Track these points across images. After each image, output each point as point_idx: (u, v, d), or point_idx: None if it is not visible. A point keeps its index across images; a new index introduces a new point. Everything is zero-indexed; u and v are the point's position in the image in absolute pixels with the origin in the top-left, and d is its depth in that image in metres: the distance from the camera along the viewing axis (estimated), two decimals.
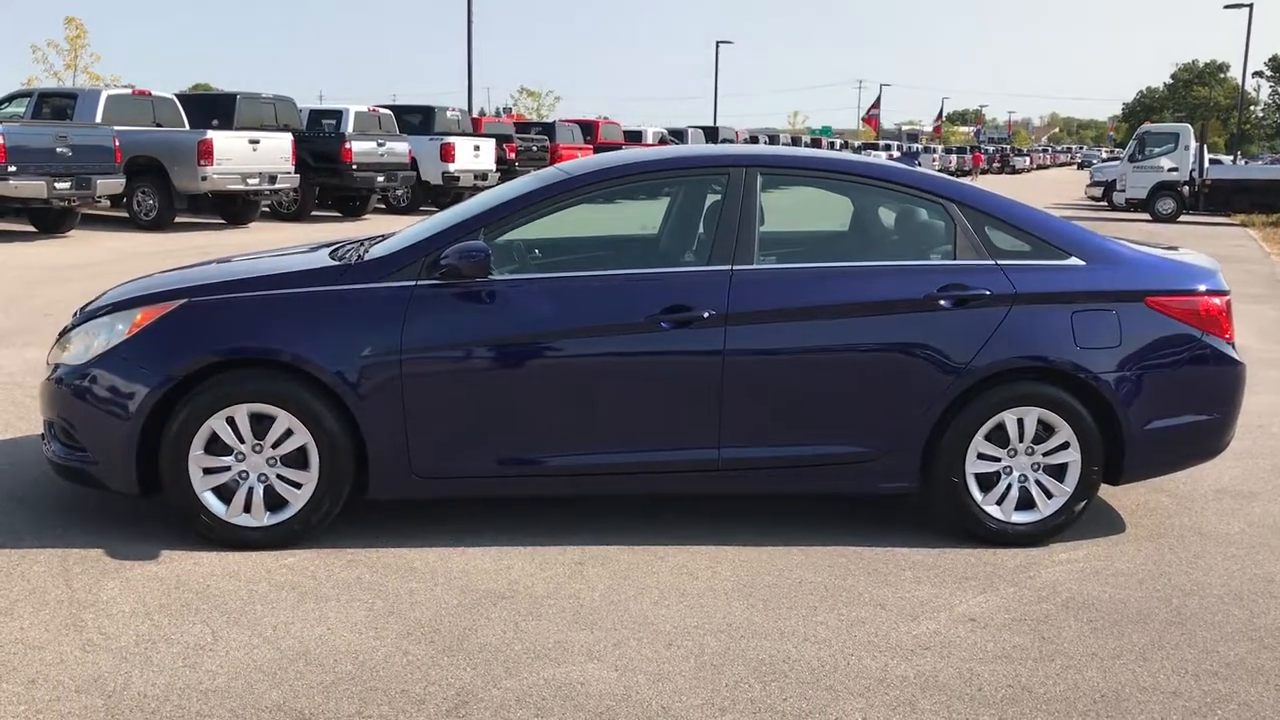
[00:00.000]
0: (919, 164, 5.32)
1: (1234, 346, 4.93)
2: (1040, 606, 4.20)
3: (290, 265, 4.89)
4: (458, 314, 4.52)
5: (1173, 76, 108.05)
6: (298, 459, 4.50)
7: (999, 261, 4.76)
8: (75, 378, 4.54)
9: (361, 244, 5.22)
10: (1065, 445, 4.72)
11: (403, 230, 5.25)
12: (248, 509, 4.51)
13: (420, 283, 4.53)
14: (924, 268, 4.78)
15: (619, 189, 4.87)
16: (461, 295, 4.52)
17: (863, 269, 4.75)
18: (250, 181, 18.64)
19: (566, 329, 4.54)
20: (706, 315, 4.55)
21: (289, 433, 4.47)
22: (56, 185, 15.58)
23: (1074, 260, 4.81)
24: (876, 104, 71.81)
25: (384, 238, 5.27)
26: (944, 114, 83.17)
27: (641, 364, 4.58)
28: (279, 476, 4.51)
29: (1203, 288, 4.89)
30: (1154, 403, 4.76)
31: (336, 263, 4.76)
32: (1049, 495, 4.77)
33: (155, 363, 4.43)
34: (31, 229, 17.01)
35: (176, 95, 19.94)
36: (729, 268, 4.64)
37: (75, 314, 4.97)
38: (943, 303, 4.66)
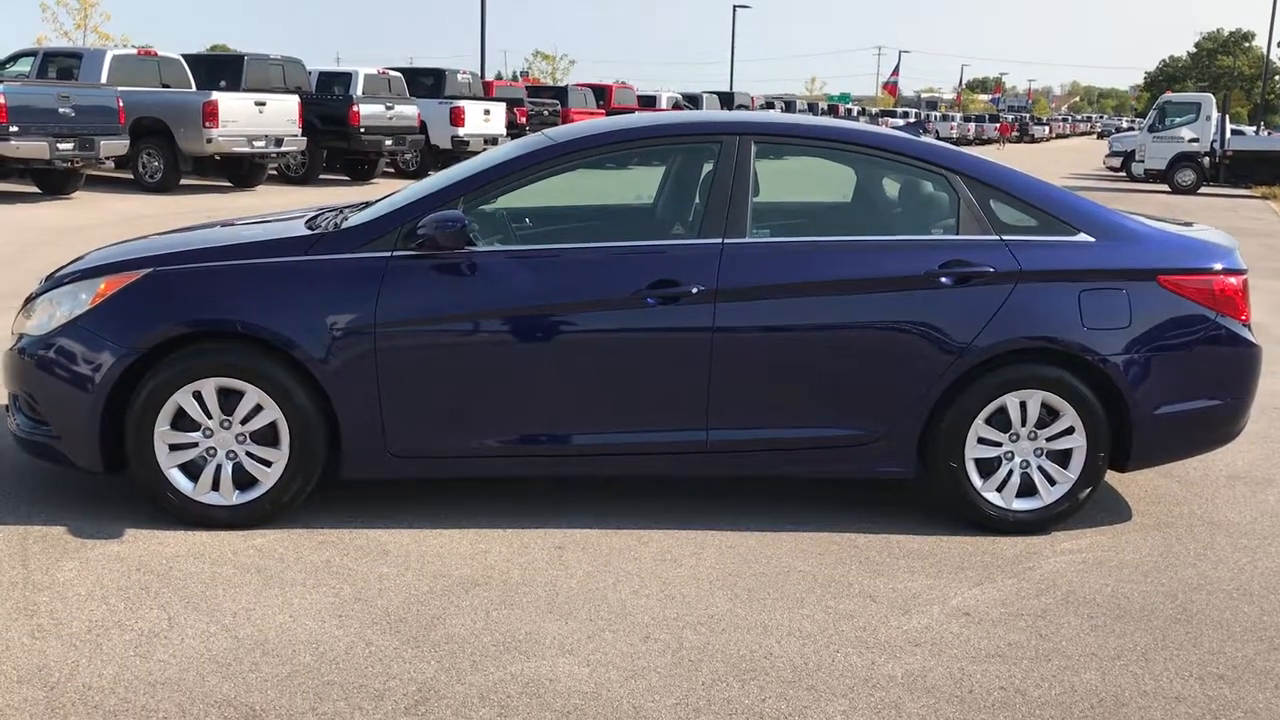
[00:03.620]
0: (924, 133, 5.05)
1: (1250, 328, 4.70)
2: (1039, 600, 4.00)
3: (263, 234, 4.69)
4: (434, 286, 4.32)
5: (1196, 45, 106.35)
6: (268, 436, 4.32)
7: (1004, 237, 4.53)
8: (38, 348, 4.37)
9: (340, 212, 5.02)
10: (1070, 430, 4.51)
11: (383, 198, 5.04)
12: (216, 487, 4.34)
13: (395, 253, 4.33)
14: (925, 243, 4.56)
15: (605, 156, 4.64)
16: (438, 267, 4.32)
17: (860, 244, 4.53)
18: (256, 144, 18.41)
19: (548, 304, 4.33)
20: (695, 290, 4.34)
21: (258, 408, 4.28)
22: (59, 146, 15.38)
23: (1083, 236, 4.58)
24: (896, 71, 71.11)
25: (365, 206, 5.07)
26: (964, 81, 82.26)
27: (626, 341, 4.37)
28: (248, 454, 4.33)
29: (1218, 266, 4.65)
30: (1164, 386, 4.54)
31: (310, 232, 4.56)
32: (1052, 482, 4.57)
33: (119, 334, 4.25)
34: (35, 190, 16.83)
35: (184, 56, 19.70)
36: (720, 241, 4.42)
37: (42, 280, 4.78)
38: (944, 280, 4.43)
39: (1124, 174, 31.88)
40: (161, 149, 17.96)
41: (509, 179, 4.55)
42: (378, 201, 5.00)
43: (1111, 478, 5.15)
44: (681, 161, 5.19)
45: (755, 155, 4.57)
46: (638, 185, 5.99)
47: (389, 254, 4.32)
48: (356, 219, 4.59)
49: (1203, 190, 27.50)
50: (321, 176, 21.73)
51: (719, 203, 4.48)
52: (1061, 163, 42.90)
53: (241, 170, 19.37)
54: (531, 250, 4.56)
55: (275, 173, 21.01)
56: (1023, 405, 4.49)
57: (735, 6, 59.23)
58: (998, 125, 65.74)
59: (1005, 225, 4.56)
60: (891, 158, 4.72)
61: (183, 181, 18.79)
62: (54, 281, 4.63)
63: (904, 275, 4.42)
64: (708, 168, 4.68)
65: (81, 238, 12.10)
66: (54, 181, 16.62)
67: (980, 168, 4.66)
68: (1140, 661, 3.58)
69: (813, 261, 4.45)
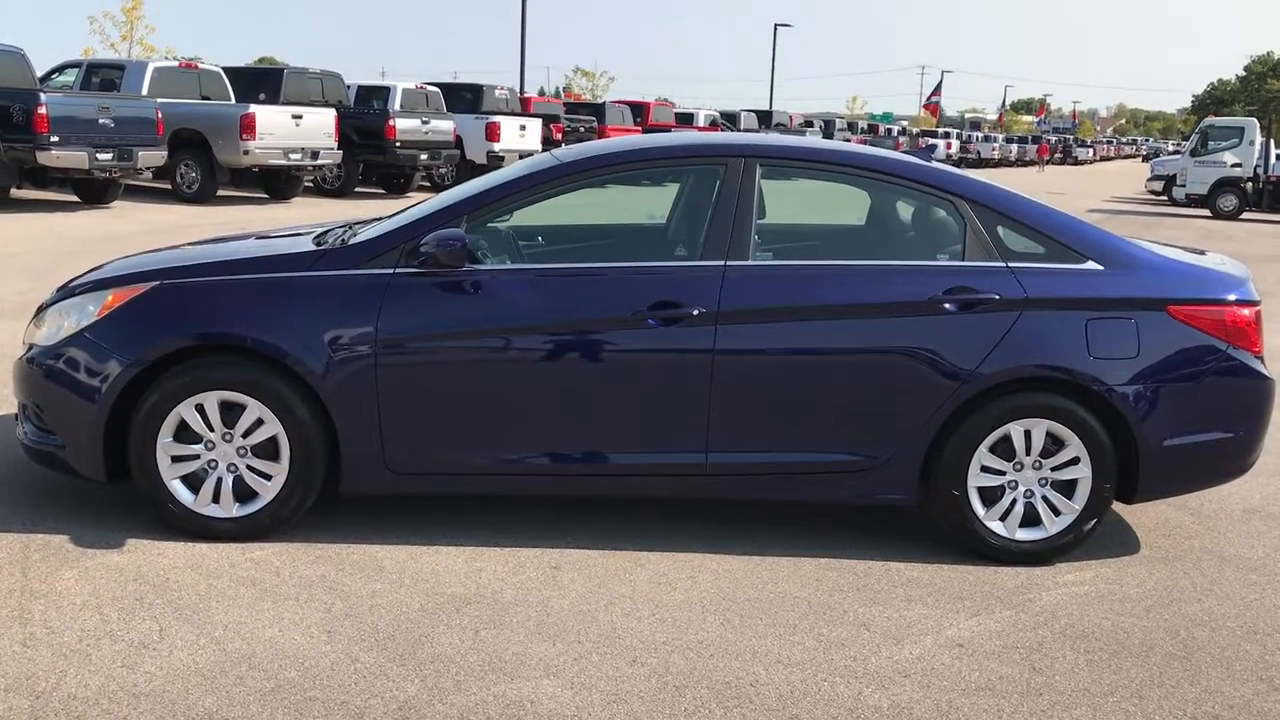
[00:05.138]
0: (935, 159, 5.01)
1: (1263, 360, 4.62)
2: (1035, 633, 3.94)
3: (270, 249, 4.74)
4: (436, 304, 4.34)
5: (1246, 69, 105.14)
6: (269, 450, 4.35)
7: (1010, 263, 4.48)
8: (46, 358, 4.43)
9: (349, 228, 5.05)
10: (1075, 460, 4.45)
11: (392, 214, 5.07)
12: (216, 499, 4.37)
13: (398, 271, 4.35)
14: (929, 268, 4.52)
15: (611, 177, 4.65)
16: (440, 285, 4.34)
17: (864, 268, 4.50)
18: (292, 156, 18.61)
19: (548, 323, 4.34)
20: (696, 313, 4.33)
21: (260, 422, 4.32)
22: (98, 156, 15.61)
23: (1091, 264, 4.52)
24: (937, 90, 70.87)
25: (375, 221, 5.10)
26: (1007, 102, 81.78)
27: (627, 361, 4.37)
28: (249, 467, 4.36)
29: (1231, 297, 4.58)
30: (1173, 418, 4.47)
31: (315, 247, 4.60)
32: (1056, 513, 4.51)
33: (124, 346, 4.30)
34: (75, 199, 17.09)
35: (226, 69, 19.96)
36: (722, 263, 4.41)
37: (55, 290, 4.85)
38: (948, 306, 4.40)
39: (1165, 198, 31.53)
40: (199, 160, 18.20)
41: (514, 198, 4.56)
42: (387, 218, 5.03)
43: (1122, 509, 5.08)
44: (690, 183, 5.20)
45: (760, 178, 4.56)
46: (655, 204, 6.01)
47: (391, 271, 4.35)
48: (362, 236, 4.62)
49: (1245, 216, 27.13)
50: (357, 190, 21.92)
51: (722, 225, 4.47)
52: (1103, 186, 42.54)
53: (278, 182, 19.61)
54: (532, 269, 4.57)
55: (311, 185, 21.21)
56: (1027, 434, 4.44)
57: (777, 25, 59.30)
58: (1037, 147, 65.16)
59: (1012, 252, 4.52)
60: (898, 182, 4.69)
61: (220, 192, 19.00)
62: (65, 292, 4.69)
63: (907, 300, 4.39)
64: (713, 190, 4.66)
65: (118, 247, 12.24)
66: (93, 191, 16.88)
67: (987, 193, 4.62)
68: (1134, 699, 3.52)
69: (815, 285, 4.42)
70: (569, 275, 4.49)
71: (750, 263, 4.44)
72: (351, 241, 4.57)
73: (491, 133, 23.00)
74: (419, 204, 4.96)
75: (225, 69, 19.89)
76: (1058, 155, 73.37)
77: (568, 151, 4.90)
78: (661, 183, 5.20)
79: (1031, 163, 63.94)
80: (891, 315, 4.39)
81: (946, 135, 58.19)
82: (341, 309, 4.31)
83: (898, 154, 5.04)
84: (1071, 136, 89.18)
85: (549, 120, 26.27)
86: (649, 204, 6.01)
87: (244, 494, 4.39)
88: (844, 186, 4.82)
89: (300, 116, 18.75)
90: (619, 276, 4.43)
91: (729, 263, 4.41)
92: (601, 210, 5.60)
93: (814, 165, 4.78)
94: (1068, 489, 4.49)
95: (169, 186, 18.70)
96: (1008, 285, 4.43)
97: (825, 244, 5.36)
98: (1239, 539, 4.98)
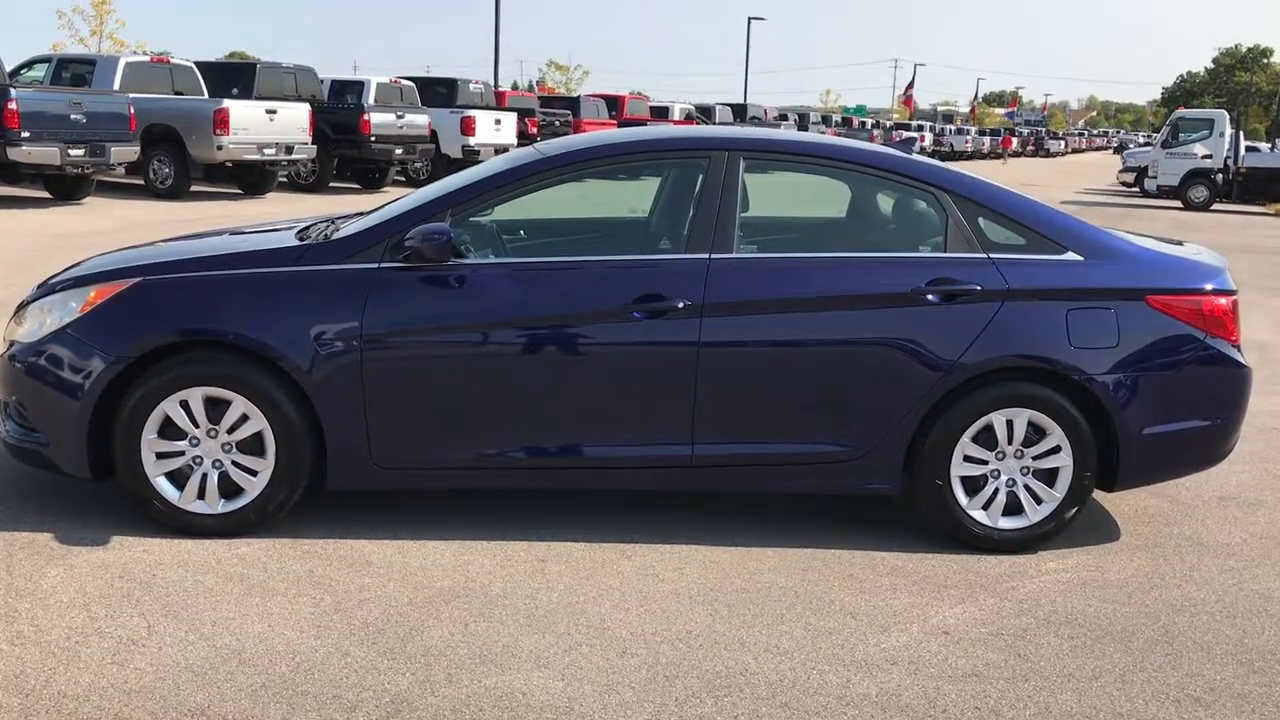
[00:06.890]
0: (915, 150, 5.06)
1: (1240, 349, 4.68)
2: (1019, 620, 3.99)
3: (253, 244, 4.72)
4: (421, 299, 4.34)
5: (1214, 61, 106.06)
6: (254, 445, 4.34)
7: (991, 255, 4.52)
8: (28, 355, 4.40)
9: (332, 223, 5.04)
10: (1057, 449, 4.50)
11: (375, 209, 5.06)
12: (202, 495, 4.36)
13: (383, 265, 4.35)
14: (912, 260, 4.56)
15: (594, 171, 4.65)
16: (425, 279, 4.34)
17: (847, 260, 4.54)
18: (267, 152, 18.49)
19: (534, 317, 4.35)
20: (681, 305, 4.35)
21: (245, 418, 4.31)
22: (70, 152, 15.46)
23: (1071, 255, 4.57)
24: (911, 84, 71.09)
25: (358, 215, 5.09)
26: (980, 94, 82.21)
27: (612, 354, 4.38)
28: (234, 463, 4.35)
29: (1208, 286, 4.64)
30: (1152, 407, 4.53)
31: (299, 243, 4.59)
32: (1038, 501, 4.56)
33: (107, 343, 4.28)
34: (46, 195, 16.94)
35: (199, 64, 19.80)
36: (706, 256, 4.43)
37: (36, 287, 4.82)
38: (930, 297, 4.43)
39: (1137, 190, 31.78)
40: (173, 156, 18.05)
41: (497, 192, 4.57)
42: (370, 213, 5.02)
43: (1102, 497, 5.13)
44: (673, 176, 5.21)
45: (744, 171, 4.58)
46: (636, 198, 6.02)
47: (376, 266, 4.35)
48: (345, 230, 4.61)
49: (1216, 207, 27.39)
50: (332, 184, 21.82)
51: (706, 218, 4.50)
52: (1075, 177, 42.82)
53: (252, 177, 19.47)
54: (517, 263, 4.57)
55: (286, 180, 21.09)
56: (1009, 423, 4.48)
57: (750, 19, 59.35)
58: (1000, 139, 65.48)
59: (993, 243, 4.56)
60: (880, 175, 4.72)
61: (193, 188, 18.86)
62: (46, 289, 4.66)
63: (890, 292, 4.42)
64: (696, 183, 4.68)
65: (91, 244, 12.15)
66: (65, 187, 16.73)
67: (969, 185, 4.65)
68: (1117, 683, 3.57)
69: (799, 277, 4.45)
70: (554, 269, 4.50)
71: (734, 255, 4.46)
72: (335, 236, 4.56)
73: (467, 127, 22.93)
74: (402, 198, 4.95)
75: (198, 64, 19.73)
76: (1030, 148, 73.87)
77: (551, 145, 4.90)
78: (638, 177, 5.21)
79: (999, 155, 64.30)
80: (875, 307, 4.42)
81: (920, 128, 58.39)
82: (326, 304, 4.30)
83: (879, 146, 5.07)
84: (1043, 129, 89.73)
85: (524, 114, 26.20)
86: (630, 198, 6.03)
87: (229, 490, 4.38)
88: (826, 179, 4.84)
89: (274, 111, 18.64)
90: (604, 270, 4.45)
91: (713, 255, 4.43)
92: (583, 204, 5.61)
93: (797, 158, 4.81)
94: (1049, 478, 4.54)
95: (142, 182, 18.55)
96: (989, 276, 4.47)
97: (808, 237, 5.39)
98: (1217, 525, 5.05)
